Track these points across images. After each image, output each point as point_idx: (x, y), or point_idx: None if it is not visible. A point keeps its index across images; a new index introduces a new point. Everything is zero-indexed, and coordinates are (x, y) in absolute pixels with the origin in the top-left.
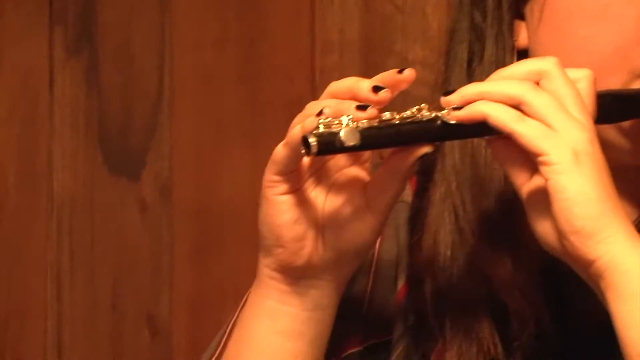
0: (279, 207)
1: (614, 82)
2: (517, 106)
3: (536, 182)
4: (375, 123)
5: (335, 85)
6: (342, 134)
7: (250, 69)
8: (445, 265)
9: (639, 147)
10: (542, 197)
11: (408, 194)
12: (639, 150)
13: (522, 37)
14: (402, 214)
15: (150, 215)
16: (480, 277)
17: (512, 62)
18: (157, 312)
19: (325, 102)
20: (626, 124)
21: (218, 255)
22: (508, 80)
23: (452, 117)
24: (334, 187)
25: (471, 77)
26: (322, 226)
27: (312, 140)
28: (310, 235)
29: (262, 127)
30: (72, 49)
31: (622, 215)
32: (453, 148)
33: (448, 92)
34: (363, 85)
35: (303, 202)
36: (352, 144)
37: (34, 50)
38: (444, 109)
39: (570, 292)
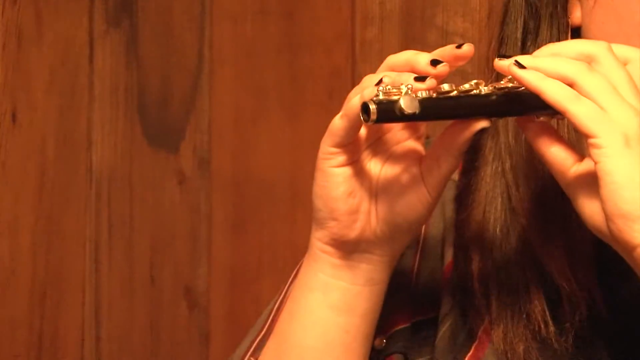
0: (335, 180)
1: None
2: (569, 86)
3: (583, 165)
4: (433, 94)
5: (394, 58)
6: (402, 101)
7: (290, 40)
8: (494, 243)
9: None
10: (589, 180)
11: (454, 172)
12: None
13: (576, 16)
14: (448, 192)
15: (188, 187)
16: (532, 258)
17: None
18: (195, 285)
19: (383, 74)
20: None
21: (256, 227)
22: (562, 58)
23: (511, 71)
24: (390, 160)
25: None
26: (376, 199)
27: (373, 107)
28: (364, 209)
29: (302, 99)
30: (112, 20)
31: None
32: (507, 127)
33: (502, 56)
34: (421, 59)
35: (358, 175)
36: (411, 112)
37: (74, 22)
38: (500, 85)
39: (622, 276)
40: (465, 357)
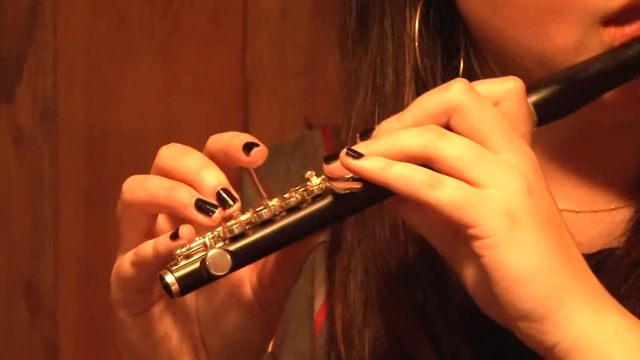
0: (138, 330)
1: (565, 35)
2: (425, 165)
3: (470, 255)
4: (246, 226)
5: (214, 140)
6: (209, 264)
7: None
8: (357, 320)
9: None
10: (482, 272)
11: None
12: (615, 112)
13: None
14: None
15: (27, 147)
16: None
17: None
18: (38, 280)
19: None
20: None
21: (116, 201)
22: (406, 131)
23: (345, 164)
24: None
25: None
26: (201, 335)
27: (173, 283)
28: (188, 350)
29: (177, 29)
30: None
31: (581, 276)
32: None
33: (330, 158)
34: (235, 141)
35: (170, 313)
36: (224, 273)
37: None
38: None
39: (498, 347)
40: None
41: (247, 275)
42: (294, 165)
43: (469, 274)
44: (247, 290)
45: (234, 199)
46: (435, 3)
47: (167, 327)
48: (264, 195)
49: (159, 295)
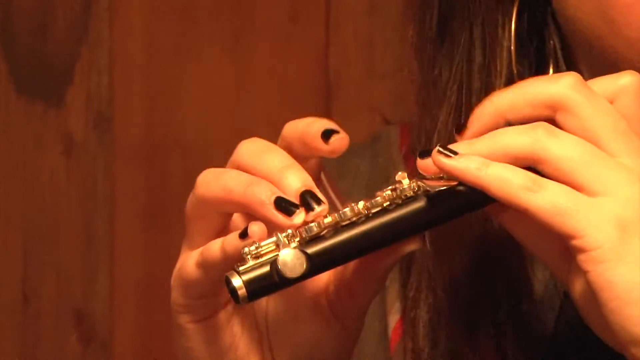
0: (201, 339)
1: None
2: (531, 166)
3: (579, 271)
4: (325, 228)
5: (290, 128)
6: (281, 265)
7: None
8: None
9: None
10: (590, 291)
11: None
12: None
13: None
14: None
15: (79, 157)
16: None
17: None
18: (90, 307)
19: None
20: None
21: (180, 219)
22: (508, 129)
23: (438, 163)
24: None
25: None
26: (271, 348)
27: (240, 287)
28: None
29: (249, 22)
30: None
31: None
32: None
33: (425, 153)
34: (313, 129)
35: (237, 321)
36: (298, 275)
37: None
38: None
39: None
40: None
41: (323, 282)
42: (363, 165)
43: (578, 293)
44: (323, 299)
45: (319, 202)
46: (528, 7)
47: (233, 336)
48: (337, 201)
49: (226, 300)
